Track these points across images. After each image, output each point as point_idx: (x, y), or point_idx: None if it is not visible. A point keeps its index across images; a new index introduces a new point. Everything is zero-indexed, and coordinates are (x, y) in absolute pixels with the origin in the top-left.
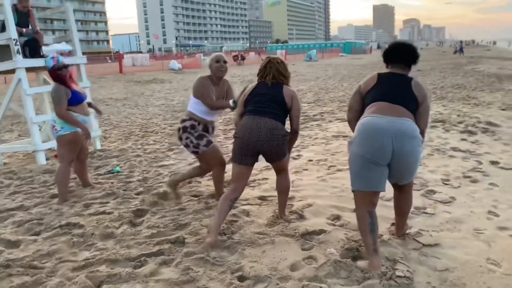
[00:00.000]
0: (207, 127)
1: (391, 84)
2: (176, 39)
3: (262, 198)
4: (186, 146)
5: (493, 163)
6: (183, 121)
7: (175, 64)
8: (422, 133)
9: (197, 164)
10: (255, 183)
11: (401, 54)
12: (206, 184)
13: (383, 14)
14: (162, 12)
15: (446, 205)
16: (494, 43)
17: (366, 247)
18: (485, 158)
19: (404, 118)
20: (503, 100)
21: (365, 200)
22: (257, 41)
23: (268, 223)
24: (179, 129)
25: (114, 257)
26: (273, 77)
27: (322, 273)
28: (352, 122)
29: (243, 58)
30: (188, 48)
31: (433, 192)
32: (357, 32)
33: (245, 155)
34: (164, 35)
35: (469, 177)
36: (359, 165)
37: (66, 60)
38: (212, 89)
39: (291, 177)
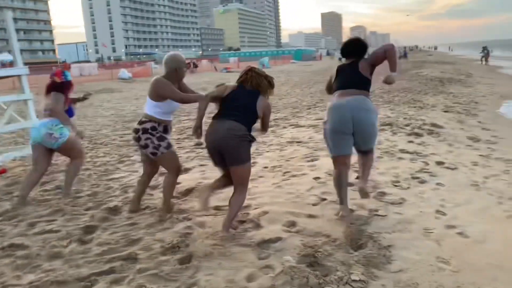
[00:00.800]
0: (167, 128)
1: (344, 73)
2: (126, 47)
3: (218, 208)
4: (145, 146)
5: (439, 163)
6: (142, 122)
7: (124, 73)
8: (390, 82)
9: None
10: None
11: (348, 48)
12: (159, 196)
13: (331, 22)
14: (110, 21)
15: (397, 206)
16: (435, 48)
17: (339, 198)
18: (431, 159)
19: (357, 96)
20: (445, 102)
21: (340, 162)
22: (210, 49)
23: (224, 233)
24: (137, 130)
25: (62, 278)
26: (251, 85)
27: (279, 282)
28: (328, 92)
29: (195, 66)
30: (138, 56)
31: (384, 194)
32: (307, 39)
33: (212, 156)
34: (113, 43)
35: (417, 178)
36: (332, 136)
37: (3, 71)
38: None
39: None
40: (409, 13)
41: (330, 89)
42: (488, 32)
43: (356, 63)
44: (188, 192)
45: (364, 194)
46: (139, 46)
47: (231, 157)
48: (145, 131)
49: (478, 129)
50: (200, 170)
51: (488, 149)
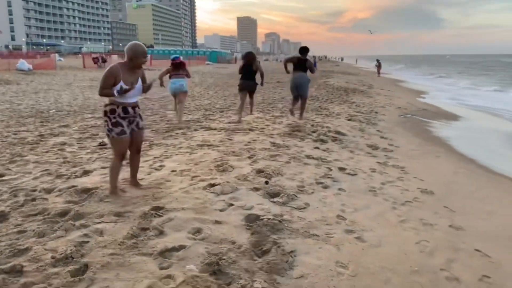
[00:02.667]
0: (127, 109)
1: (299, 62)
2: (27, 36)
3: (119, 214)
4: (104, 126)
5: (341, 169)
6: (106, 105)
7: (24, 64)
8: (312, 71)
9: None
10: (109, 198)
11: (305, 49)
12: (53, 201)
13: (247, 26)
14: (9, 6)
15: (301, 211)
16: (342, 59)
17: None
18: (334, 164)
19: (302, 73)
20: (348, 111)
21: (294, 99)
22: (121, 44)
23: (124, 242)
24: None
25: None
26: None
27: None
28: (285, 65)
29: (104, 61)
30: (42, 47)
31: (291, 199)
32: (223, 42)
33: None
34: (12, 31)
35: (321, 183)
36: (291, 89)
37: None
38: (122, 75)
39: (152, 190)
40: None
41: (286, 69)
42: (389, 46)
43: (305, 59)
44: (88, 195)
45: (301, 121)
46: (43, 36)
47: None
48: (104, 113)
49: (377, 138)
50: (102, 173)
51: (385, 157)
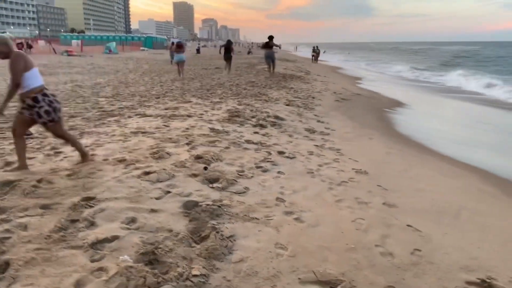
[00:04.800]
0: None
1: (267, 44)
2: None
3: (45, 206)
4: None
5: (280, 153)
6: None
7: None
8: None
9: None
10: (31, 188)
11: (271, 36)
12: None
13: (183, 12)
14: None
15: (241, 195)
16: (280, 46)
17: None
18: (273, 149)
19: (270, 50)
20: (287, 96)
21: (268, 66)
22: (48, 29)
23: (50, 236)
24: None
25: None
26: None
27: (112, 285)
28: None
29: (29, 47)
30: None
31: (230, 184)
32: (158, 27)
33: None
34: None
35: (260, 167)
36: (266, 59)
37: None
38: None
39: (82, 180)
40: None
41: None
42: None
43: (271, 40)
44: (10, 188)
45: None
46: None
47: None
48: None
49: (314, 122)
50: (28, 164)
51: (322, 140)
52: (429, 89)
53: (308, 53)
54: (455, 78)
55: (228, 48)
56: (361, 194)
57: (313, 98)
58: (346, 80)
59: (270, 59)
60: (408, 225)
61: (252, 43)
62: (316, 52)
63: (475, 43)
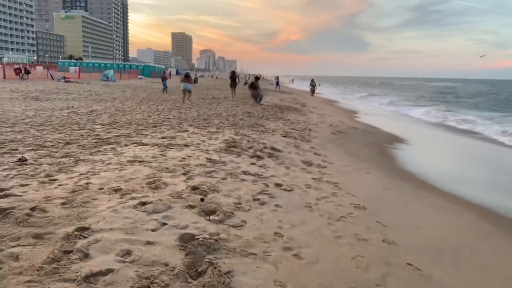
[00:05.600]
0: None
1: (253, 84)
2: None
3: (38, 236)
4: None
5: (278, 185)
6: None
7: None
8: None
9: None
10: (24, 217)
11: (256, 78)
12: None
13: (182, 42)
14: None
15: (238, 229)
16: (276, 78)
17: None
18: (271, 180)
19: (255, 91)
20: (283, 128)
21: (255, 101)
22: (47, 55)
23: (43, 267)
24: None
25: None
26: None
27: None
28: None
29: (27, 72)
30: None
31: (227, 216)
32: (157, 56)
33: None
34: None
35: (258, 199)
36: (252, 97)
37: None
38: None
39: (76, 210)
40: (248, 41)
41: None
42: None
43: (257, 81)
44: (2, 216)
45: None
46: None
47: None
48: None
49: (311, 154)
50: (21, 191)
51: (319, 173)
52: (420, 123)
53: (302, 86)
54: (435, 113)
55: (233, 78)
56: (361, 230)
57: (310, 130)
58: (342, 113)
59: (255, 98)
60: (408, 264)
61: (249, 74)
62: (312, 86)
63: (465, 80)
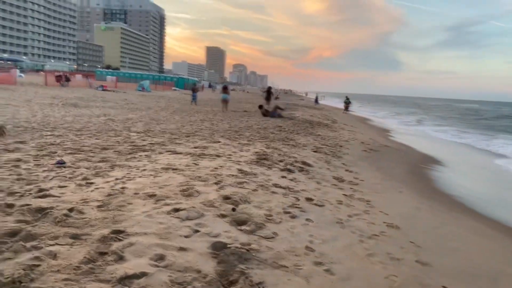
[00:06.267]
0: None
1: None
2: None
3: (75, 236)
4: None
5: (308, 199)
6: None
7: None
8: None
9: None
10: (63, 217)
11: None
12: (2, 220)
13: (215, 56)
14: None
15: (269, 240)
16: (306, 94)
17: None
18: (301, 195)
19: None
20: (314, 143)
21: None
22: (86, 64)
23: (79, 267)
24: None
25: None
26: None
27: None
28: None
29: (67, 79)
30: (1, 62)
31: (258, 227)
32: (191, 69)
33: None
34: None
35: (289, 212)
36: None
37: None
38: None
39: (112, 213)
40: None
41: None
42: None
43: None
44: (42, 215)
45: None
46: (4, 51)
47: None
48: None
49: (342, 170)
50: (59, 192)
51: (351, 190)
52: (451, 143)
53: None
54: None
55: (268, 92)
56: (393, 249)
57: (341, 146)
58: (374, 131)
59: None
60: (443, 286)
61: (280, 90)
62: (346, 103)
63: (499, 103)
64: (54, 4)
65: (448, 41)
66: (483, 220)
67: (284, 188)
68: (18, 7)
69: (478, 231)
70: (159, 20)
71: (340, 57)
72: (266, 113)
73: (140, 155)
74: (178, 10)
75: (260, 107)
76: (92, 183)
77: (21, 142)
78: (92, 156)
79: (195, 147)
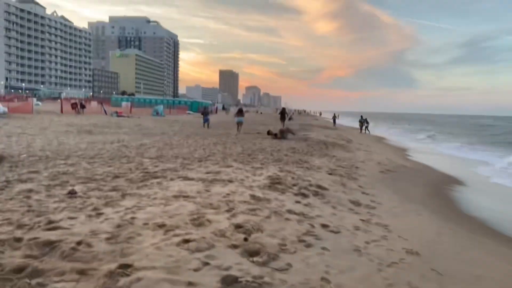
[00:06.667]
0: None
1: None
2: (7, 80)
3: (82, 272)
4: None
5: (324, 226)
6: None
7: None
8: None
9: None
10: (70, 251)
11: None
12: (10, 255)
13: (229, 79)
14: None
15: (283, 273)
16: (320, 114)
17: None
18: (317, 221)
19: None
20: (329, 165)
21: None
22: (101, 91)
23: None
24: None
25: None
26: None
27: None
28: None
29: (83, 107)
30: (20, 91)
31: (271, 258)
32: (204, 92)
33: None
34: None
35: (303, 241)
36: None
37: None
38: None
39: (121, 245)
40: (295, 78)
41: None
42: (367, 103)
43: (283, 112)
44: (50, 249)
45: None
46: (23, 80)
47: None
48: None
49: (359, 193)
50: (69, 224)
51: (368, 214)
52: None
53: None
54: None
55: (282, 113)
56: (414, 278)
57: (357, 168)
58: (390, 150)
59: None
60: None
61: (294, 110)
62: (361, 122)
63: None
64: (70, 34)
65: (462, 57)
66: (506, 242)
67: (298, 214)
68: (36, 38)
69: (503, 256)
70: (173, 46)
71: (353, 76)
72: (276, 136)
73: (152, 183)
74: (191, 35)
75: (268, 132)
76: (102, 213)
77: (34, 172)
78: (104, 185)
79: (207, 172)
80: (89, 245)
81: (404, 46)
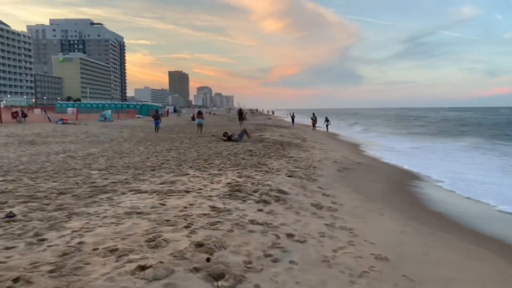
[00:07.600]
0: None
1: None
2: None
3: None
4: None
5: (289, 235)
6: None
7: None
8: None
9: None
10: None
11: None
12: None
13: (179, 80)
14: None
15: None
16: (273, 112)
17: None
18: (281, 230)
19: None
20: (287, 166)
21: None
22: (45, 97)
23: None
24: None
25: None
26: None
27: None
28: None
29: (24, 115)
30: None
31: (238, 281)
32: (154, 95)
33: None
34: None
35: (270, 255)
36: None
37: None
38: None
39: (66, 279)
40: (246, 77)
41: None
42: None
43: (241, 112)
44: None
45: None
46: None
47: None
48: None
49: (320, 195)
50: (5, 256)
51: (331, 217)
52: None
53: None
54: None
55: (240, 113)
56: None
57: (314, 167)
58: (344, 146)
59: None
60: None
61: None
62: (313, 119)
63: (457, 108)
64: (7, 38)
65: (403, 52)
66: (467, 236)
67: (261, 224)
68: None
69: (466, 253)
70: (119, 48)
71: (302, 74)
72: (229, 139)
73: (101, 198)
74: (137, 37)
75: (224, 134)
76: (44, 239)
77: None
78: (47, 204)
79: (161, 183)
80: (28, 281)
81: (349, 43)
